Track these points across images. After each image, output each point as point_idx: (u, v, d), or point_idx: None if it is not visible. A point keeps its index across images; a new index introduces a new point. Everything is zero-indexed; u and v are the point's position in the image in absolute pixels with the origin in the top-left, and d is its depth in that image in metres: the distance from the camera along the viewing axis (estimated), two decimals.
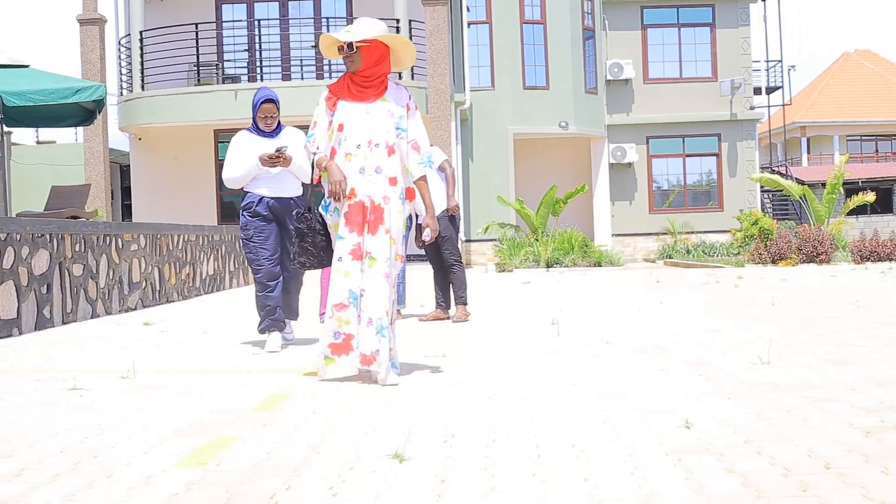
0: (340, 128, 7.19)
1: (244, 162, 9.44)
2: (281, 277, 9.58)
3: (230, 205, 30.48)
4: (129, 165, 31.76)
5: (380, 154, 7.13)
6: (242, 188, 9.63)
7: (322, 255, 7.42)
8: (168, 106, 27.76)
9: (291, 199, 9.58)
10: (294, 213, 7.45)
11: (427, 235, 7.44)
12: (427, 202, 7.45)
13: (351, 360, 7.08)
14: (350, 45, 7.16)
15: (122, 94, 29.67)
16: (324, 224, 7.39)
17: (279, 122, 9.75)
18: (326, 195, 7.24)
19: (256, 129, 9.65)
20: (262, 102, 9.56)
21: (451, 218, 12.27)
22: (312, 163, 7.28)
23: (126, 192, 35.37)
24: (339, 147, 7.18)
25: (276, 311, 9.53)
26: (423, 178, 7.40)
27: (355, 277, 7.02)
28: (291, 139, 9.62)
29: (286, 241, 9.51)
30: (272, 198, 9.49)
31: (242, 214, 9.56)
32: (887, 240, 26.34)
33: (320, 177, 7.32)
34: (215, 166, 30.06)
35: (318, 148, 7.27)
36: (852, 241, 27.26)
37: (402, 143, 7.26)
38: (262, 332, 9.66)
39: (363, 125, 7.15)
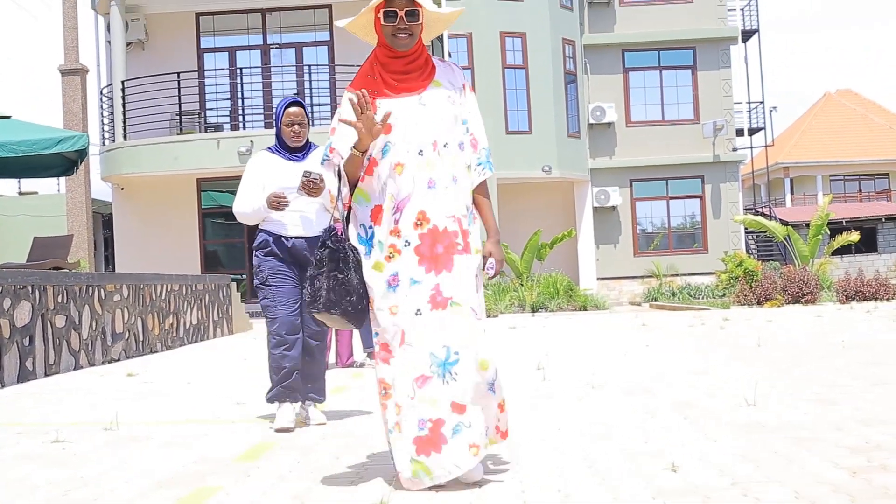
0: (388, 130, 5.18)
1: (257, 196, 7.49)
2: (301, 332, 7.53)
3: (213, 254, 30.43)
4: (111, 215, 31.71)
5: (451, 158, 5.23)
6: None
7: (363, 308, 5.28)
8: (150, 155, 27.74)
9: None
10: (324, 230, 5.34)
11: (492, 269, 5.38)
12: (489, 221, 5.47)
13: (449, 459, 4.93)
14: (416, 12, 5.21)
15: (104, 144, 29.66)
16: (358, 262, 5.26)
17: (308, 141, 7.75)
18: (359, 223, 5.33)
19: (280, 146, 7.65)
20: (287, 106, 7.64)
21: None
22: (338, 174, 5.30)
23: (108, 242, 35.30)
24: (384, 157, 5.18)
25: (293, 375, 7.45)
26: (483, 185, 5.48)
27: (440, 335, 5.01)
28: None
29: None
30: (295, 237, 7.53)
31: (255, 254, 7.62)
32: (872, 279, 26.41)
33: (348, 203, 5.37)
34: (198, 215, 30.01)
35: (342, 158, 5.29)
36: (837, 281, 27.30)
37: (467, 140, 5.38)
38: (270, 401, 7.55)
39: (423, 122, 5.21)
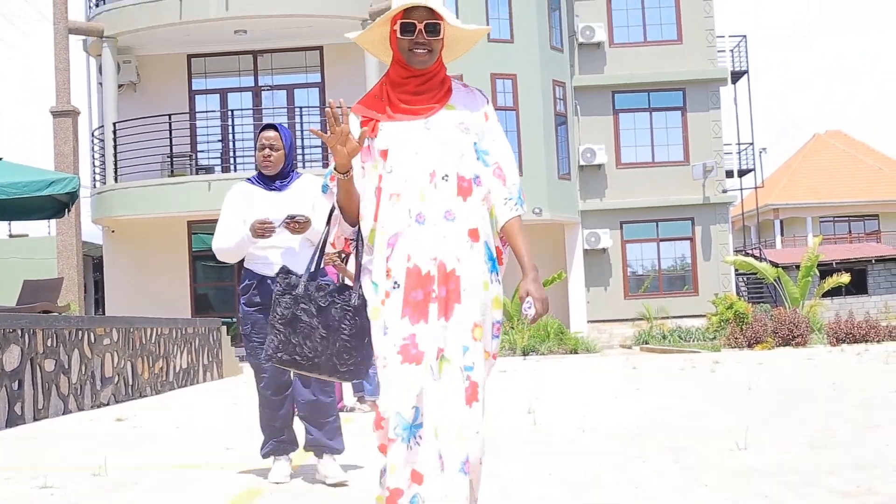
0: (384, 155, 4.57)
1: (238, 229, 6.87)
2: (291, 387, 6.99)
3: (204, 297, 30.41)
4: (101, 258, 31.69)
5: (449, 191, 4.52)
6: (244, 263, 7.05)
7: (319, 349, 4.71)
8: (141, 198, 27.76)
9: None
10: (276, 273, 4.97)
11: (530, 309, 4.58)
12: (525, 259, 4.70)
13: None
14: (437, 25, 4.56)
15: (94, 186, 29.70)
16: (323, 300, 4.76)
17: (293, 169, 7.14)
18: (364, 259, 4.64)
19: (259, 176, 7.08)
20: (262, 129, 7.06)
21: None
22: (331, 212, 4.74)
23: (98, 284, 35.25)
24: (385, 185, 4.57)
25: (284, 432, 7.05)
26: (517, 221, 4.74)
27: (409, 393, 4.34)
28: (308, 191, 6.97)
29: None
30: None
31: (240, 303, 7.03)
32: (862, 321, 26.39)
33: (349, 242, 4.80)
34: (189, 258, 30.01)
35: None
36: (828, 324, 27.29)
37: (487, 174, 4.65)
38: (265, 456, 7.16)
39: (423, 148, 4.55)
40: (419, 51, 4.51)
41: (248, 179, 7.13)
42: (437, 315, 4.39)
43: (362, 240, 4.64)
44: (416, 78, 4.59)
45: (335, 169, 4.55)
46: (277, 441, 7.05)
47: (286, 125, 29.31)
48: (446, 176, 4.51)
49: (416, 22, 4.49)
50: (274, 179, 7.01)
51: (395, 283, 4.45)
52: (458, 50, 4.79)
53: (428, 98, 4.60)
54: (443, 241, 4.45)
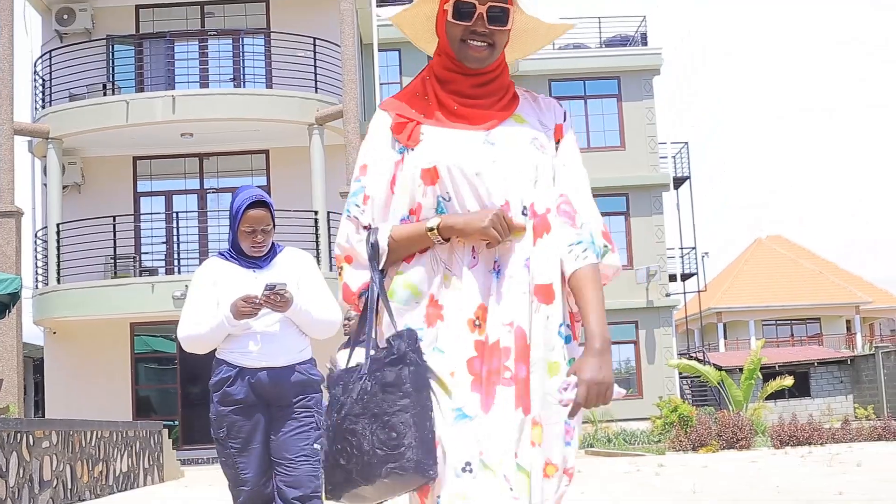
0: (431, 178, 3.28)
1: (212, 313, 5.68)
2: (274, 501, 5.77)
3: (146, 399, 30.11)
4: (42, 359, 31.35)
5: (527, 230, 3.31)
6: (215, 352, 5.90)
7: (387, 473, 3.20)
8: (84, 299, 27.53)
9: (294, 367, 5.81)
10: (329, 368, 3.41)
11: (568, 392, 3.21)
12: (591, 323, 3.25)
13: None
14: (504, 12, 3.28)
15: (37, 287, 29.46)
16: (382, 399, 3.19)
17: (273, 244, 5.96)
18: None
19: (235, 252, 5.88)
20: (248, 207, 5.73)
21: None
22: (370, 254, 3.28)
23: (38, 386, 34.85)
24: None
25: None
26: (588, 270, 3.31)
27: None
28: (292, 267, 5.90)
29: (283, 436, 5.78)
30: (259, 369, 5.72)
31: (212, 400, 5.85)
32: (806, 424, 26.48)
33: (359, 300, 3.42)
34: (131, 360, 29.74)
35: (373, 219, 3.35)
36: (772, 426, 27.38)
37: (556, 207, 3.38)
38: None
39: (489, 170, 3.27)
40: (476, 43, 3.30)
41: (221, 254, 5.97)
42: (513, 403, 3.21)
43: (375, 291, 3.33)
44: (469, 77, 3.38)
45: (439, 229, 3.24)
46: None
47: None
48: (525, 209, 3.30)
49: (476, 3, 3.27)
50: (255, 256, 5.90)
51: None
52: (526, 47, 3.56)
53: (489, 103, 3.38)
54: (521, 300, 3.25)
